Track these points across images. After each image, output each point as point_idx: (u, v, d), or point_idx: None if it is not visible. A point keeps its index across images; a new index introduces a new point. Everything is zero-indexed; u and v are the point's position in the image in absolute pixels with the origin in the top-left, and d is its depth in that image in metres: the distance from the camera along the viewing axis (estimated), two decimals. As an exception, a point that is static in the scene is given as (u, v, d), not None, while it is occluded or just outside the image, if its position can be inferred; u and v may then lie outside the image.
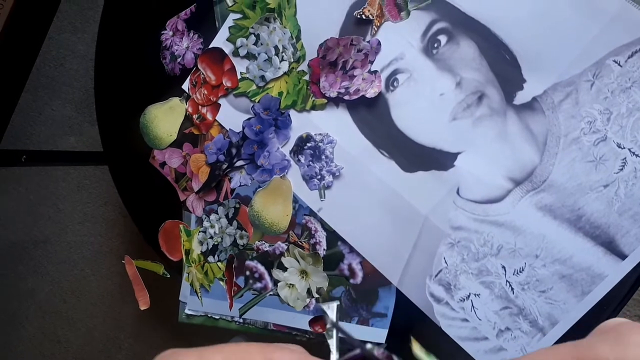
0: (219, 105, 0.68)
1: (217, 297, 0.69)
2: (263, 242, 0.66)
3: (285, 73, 0.65)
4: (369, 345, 0.25)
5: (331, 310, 0.28)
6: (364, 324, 0.63)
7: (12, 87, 0.96)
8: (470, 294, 0.58)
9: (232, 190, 0.68)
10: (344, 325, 0.64)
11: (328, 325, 0.26)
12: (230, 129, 0.67)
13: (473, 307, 0.58)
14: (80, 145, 1.56)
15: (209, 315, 0.71)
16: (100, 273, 1.57)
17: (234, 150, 0.67)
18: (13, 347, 1.64)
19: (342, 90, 0.62)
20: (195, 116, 0.69)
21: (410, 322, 0.62)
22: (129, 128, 0.73)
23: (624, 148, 0.53)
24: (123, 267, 0.73)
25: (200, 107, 0.69)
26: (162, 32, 0.70)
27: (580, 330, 0.55)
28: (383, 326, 0.63)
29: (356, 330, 0.64)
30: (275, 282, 0.66)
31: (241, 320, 0.69)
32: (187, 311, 0.72)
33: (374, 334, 0.63)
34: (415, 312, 0.60)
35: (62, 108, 1.56)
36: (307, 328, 0.66)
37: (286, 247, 0.65)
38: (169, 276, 0.72)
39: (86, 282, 1.58)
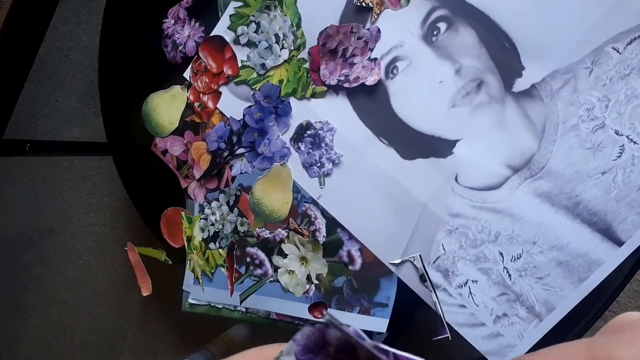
0: (220, 93, 0.68)
1: (220, 286, 0.70)
2: (263, 229, 0.67)
3: (285, 61, 0.65)
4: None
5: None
6: (365, 314, 0.64)
7: (15, 77, 0.96)
8: (467, 280, 0.59)
9: (233, 177, 0.68)
10: (345, 314, 0.65)
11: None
12: (231, 116, 0.68)
13: (471, 293, 0.59)
14: (85, 136, 1.57)
15: (212, 305, 0.72)
16: (105, 263, 1.58)
17: (234, 138, 0.68)
18: (19, 336, 1.66)
19: (342, 78, 0.62)
20: (196, 104, 0.70)
21: (411, 312, 0.62)
22: (132, 118, 0.74)
23: (622, 135, 0.53)
24: (127, 257, 0.74)
25: (201, 95, 0.69)
26: (164, 21, 0.71)
27: (576, 316, 0.55)
28: (384, 316, 0.63)
29: (357, 320, 0.64)
30: (276, 269, 0.67)
31: (244, 310, 0.70)
32: (190, 300, 0.72)
33: (375, 324, 0.64)
34: (417, 302, 0.61)
35: (66, 99, 1.57)
36: (309, 317, 0.66)
37: (286, 234, 0.66)
38: (170, 263, 0.73)
39: (91, 272, 1.59)
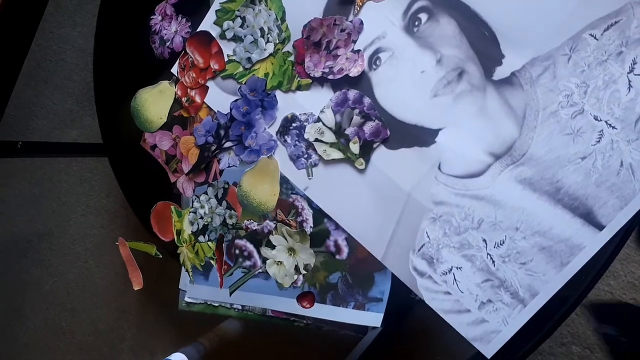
0: (207, 87, 0.69)
1: (216, 285, 0.71)
2: (251, 221, 0.68)
3: (270, 54, 0.66)
4: None
5: None
6: (360, 309, 0.65)
7: (5, 78, 0.97)
8: (452, 267, 0.59)
9: (221, 171, 0.69)
10: (340, 310, 0.65)
11: None
12: (218, 110, 0.69)
13: (455, 280, 0.59)
14: (82, 138, 1.58)
15: (209, 303, 0.72)
16: (104, 264, 1.59)
17: (222, 132, 0.68)
18: (18, 339, 1.66)
19: (327, 70, 0.63)
20: (184, 99, 0.70)
21: (405, 306, 0.63)
22: (127, 118, 0.74)
23: (601, 120, 0.54)
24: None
25: (189, 90, 0.70)
26: (151, 17, 0.72)
27: (560, 300, 0.56)
28: (379, 310, 0.64)
29: (352, 315, 0.65)
30: (264, 260, 0.67)
31: (240, 307, 0.70)
32: (186, 299, 0.73)
33: (370, 318, 0.64)
34: (411, 296, 0.61)
35: (63, 102, 1.58)
36: (305, 313, 0.67)
37: (274, 225, 0.67)
38: (161, 256, 0.74)
39: (89, 274, 1.60)
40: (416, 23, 0.60)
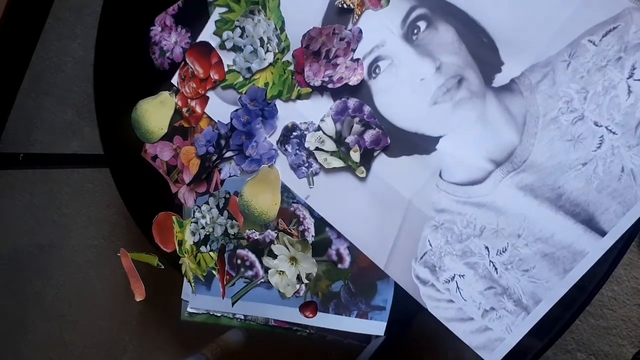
0: (208, 97, 0.69)
1: (218, 295, 0.70)
2: (253, 230, 0.68)
3: (270, 64, 0.66)
4: None
5: None
6: (363, 318, 0.64)
7: (6, 90, 0.97)
8: (454, 275, 0.59)
9: (222, 181, 0.69)
10: (343, 319, 0.65)
11: None
12: (218, 120, 0.69)
13: (458, 288, 0.59)
14: (83, 149, 1.58)
15: (211, 313, 0.72)
16: (105, 275, 1.58)
17: (222, 142, 0.68)
18: (20, 352, 1.66)
19: (326, 79, 0.63)
20: (184, 109, 0.71)
21: (408, 314, 0.62)
22: (128, 129, 0.74)
23: (601, 126, 0.54)
24: (126, 268, 0.75)
25: (189, 100, 0.70)
26: (151, 28, 0.72)
27: (563, 307, 0.56)
28: (382, 319, 0.64)
29: (355, 324, 0.64)
30: (266, 270, 0.67)
31: (242, 317, 0.70)
32: (189, 309, 0.73)
33: (373, 327, 0.64)
34: (414, 304, 0.61)
35: (63, 114, 1.58)
36: (307, 323, 0.66)
37: (276, 234, 0.66)
38: (162, 267, 0.74)
39: (91, 285, 1.60)
40: (415, 31, 0.60)
